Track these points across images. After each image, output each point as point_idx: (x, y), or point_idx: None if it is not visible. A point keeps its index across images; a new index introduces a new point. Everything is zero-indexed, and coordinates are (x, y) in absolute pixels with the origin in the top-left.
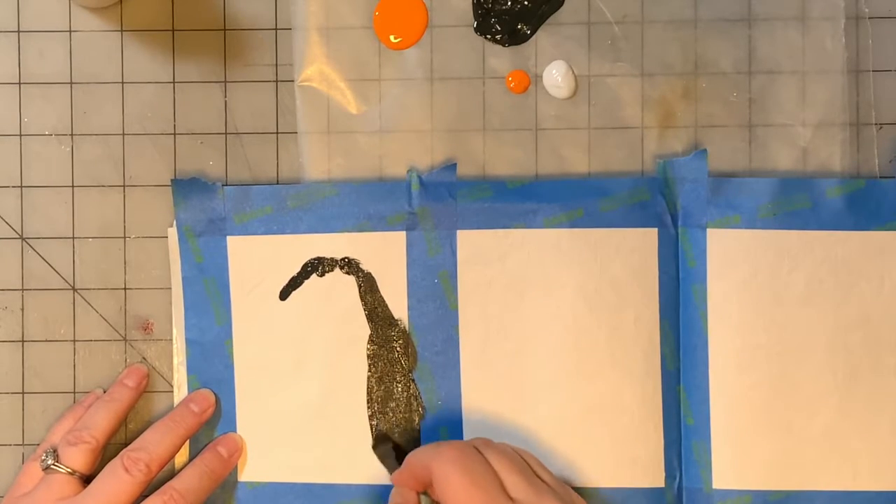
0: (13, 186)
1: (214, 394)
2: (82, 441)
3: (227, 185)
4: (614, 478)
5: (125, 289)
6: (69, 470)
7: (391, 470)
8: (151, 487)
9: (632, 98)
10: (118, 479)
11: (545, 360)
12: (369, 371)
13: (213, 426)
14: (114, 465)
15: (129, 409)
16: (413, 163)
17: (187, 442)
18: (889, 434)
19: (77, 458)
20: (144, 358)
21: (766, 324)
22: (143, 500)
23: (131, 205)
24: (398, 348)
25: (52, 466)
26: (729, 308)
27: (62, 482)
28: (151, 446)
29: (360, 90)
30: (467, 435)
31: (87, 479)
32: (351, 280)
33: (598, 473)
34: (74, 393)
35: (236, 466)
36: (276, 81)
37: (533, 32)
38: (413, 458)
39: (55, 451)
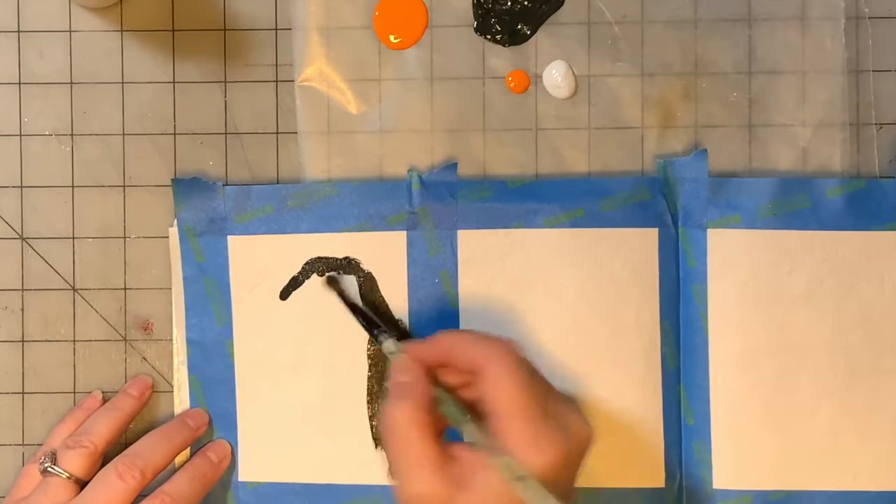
0: (13, 186)
1: (209, 415)
2: (80, 445)
3: (227, 184)
4: (614, 478)
5: (125, 289)
6: (66, 474)
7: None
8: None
9: (632, 98)
10: (111, 486)
11: (545, 361)
12: (369, 371)
13: (213, 426)
14: (107, 472)
15: (130, 418)
16: (413, 163)
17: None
18: (889, 434)
19: (75, 463)
20: (144, 358)
21: (766, 324)
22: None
23: (131, 205)
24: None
25: (50, 469)
26: (729, 308)
27: (58, 486)
28: (146, 453)
29: (360, 90)
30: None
31: (84, 485)
32: (351, 280)
33: (598, 473)
34: (74, 393)
35: (236, 467)
36: (276, 81)
37: (533, 32)
38: (455, 345)
39: (54, 454)
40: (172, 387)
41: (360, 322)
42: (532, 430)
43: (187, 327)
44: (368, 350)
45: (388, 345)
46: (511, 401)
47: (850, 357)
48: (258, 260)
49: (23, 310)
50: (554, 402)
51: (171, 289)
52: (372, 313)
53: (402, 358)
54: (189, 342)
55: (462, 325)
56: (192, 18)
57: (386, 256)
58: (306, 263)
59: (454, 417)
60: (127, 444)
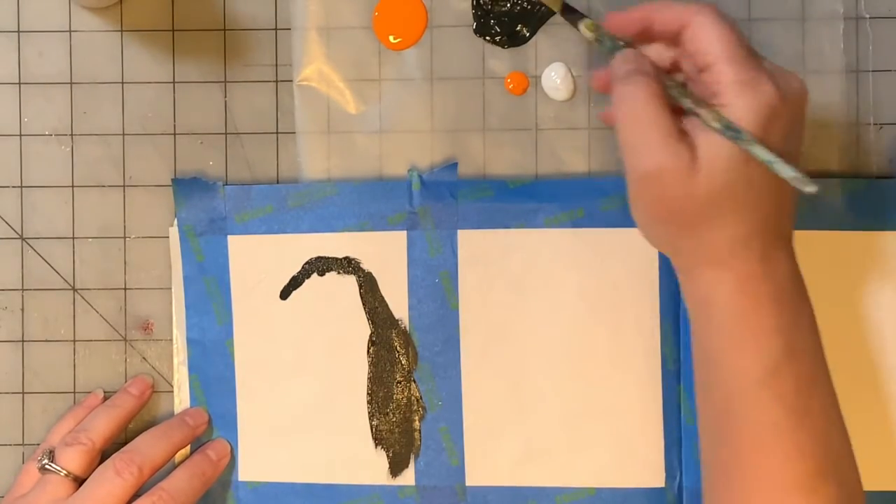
0: (13, 186)
1: (208, 414)
2: (78, 442)
3: (227, 184)
4: (614, 478)
5: (125, 289)
6: (64, 471)
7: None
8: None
9: None
10: (109, 482)
11: (545, 360)
12: (369, 371)
13: (213, 426)
14: (105, 468)
15: (130, 416)
16: (413, 163)
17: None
18: (889, 434)
19: (72, 460)
20: (144, 358)
21: None
22: (133, 500)
23: (131, 205)
24: (398, 348)
25: (47, 467)
26: None
27: (56, 483)
28: (145, 450)
29: (360, 90)
30: (468, 436)
31: (82, 482)
32: (351, 279)
33: (598, 473)
34: (74, 393)
35: (236, 467)
36: (276, 81)
37: (532, 34)
38: (655, 9)
39: (52, 451)
40: (172, 387)
41: (565, 16)
42: (746, 72)
43: (188, 327)
44: (369, 350)
45: (585, 27)
46: (722, 44)
47: (850, 357)
48: (258, 259)
49: (23, 310)
50: (762, 59)
51: (171, 289)
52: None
53: (628, 51)
54: (189, 342)
55: (462, 326)
56: (192, 18)
57: (386, 256)
58: (306, 263)
59: (677, 94)
60: (126, 444)
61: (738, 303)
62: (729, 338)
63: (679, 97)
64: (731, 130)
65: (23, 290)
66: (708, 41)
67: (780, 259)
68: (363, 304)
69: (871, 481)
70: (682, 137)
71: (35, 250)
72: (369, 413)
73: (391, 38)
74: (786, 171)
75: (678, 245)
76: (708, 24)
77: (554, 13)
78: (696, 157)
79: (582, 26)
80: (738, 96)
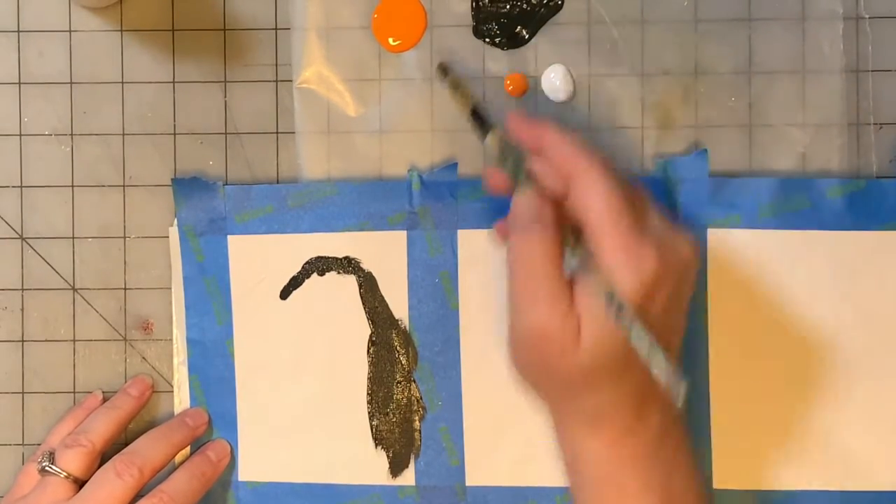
0: (13, 186)
1: (208, 414)
2: (79, 444)
3: (227, 184)
4: None
5: (125, 289)
6: (65, 473)
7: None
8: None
9: (631, 101)
10: (110, 484)
11: None
12: (369, 371)
13: (213, 426)
14: (106, 470)
15: (130, 417)
16: (412, 163)
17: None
18: (889, 434)
19: (73, 462)
20: (144, 358)
21: (766, 324)
22: (134, 502)
23: (131, 205)
24: (398, 348)
25: (48, 469)
26: (729, 308)
27: (57, 485)
28: (145, 451)
29: (359, 92)
30: (468, 435)
31: (82, 484)
32: (351, 279)
33: None
34: (74, 393)
35: (236, 467)
36: (276, 81)
37: (532, 36)
38: (551, 141)
39: (52, 453)
40: (172, 387)
41: (472, 121)
42: (628, 240)
43: (188, 327)
44: (369, 350)
45: (491, 137)
46: (606, 207)
47: (850, 357)
48: (258, 259)
49: (23, 310)
50: (654, 220)
51: (171, 289)
52: (485, 113)
53: (529, 194)
54: (189, 342)
55: (462, 326)
56: (192, 18)
57: (386, 256)
58: (306, 263)
59: (569, 252)
60: (126, 445)
61: (607, 464)
62: (598, 495)
63: (570, 256)
64: (614, 303)
65: (23, 290)
66: (593, 201)
67: (652, 413)
68: (363, 304)
69: (872, 481)
70: (572, 304)
71: (35, 250)
72: (369, 413)
73: (391, 41)
74: (659, 366)
75: (553, 401)
76: (592, 184)
77: (553, 14)
78: (581, 328)
79: (489, 137)
80: (620, 265)
